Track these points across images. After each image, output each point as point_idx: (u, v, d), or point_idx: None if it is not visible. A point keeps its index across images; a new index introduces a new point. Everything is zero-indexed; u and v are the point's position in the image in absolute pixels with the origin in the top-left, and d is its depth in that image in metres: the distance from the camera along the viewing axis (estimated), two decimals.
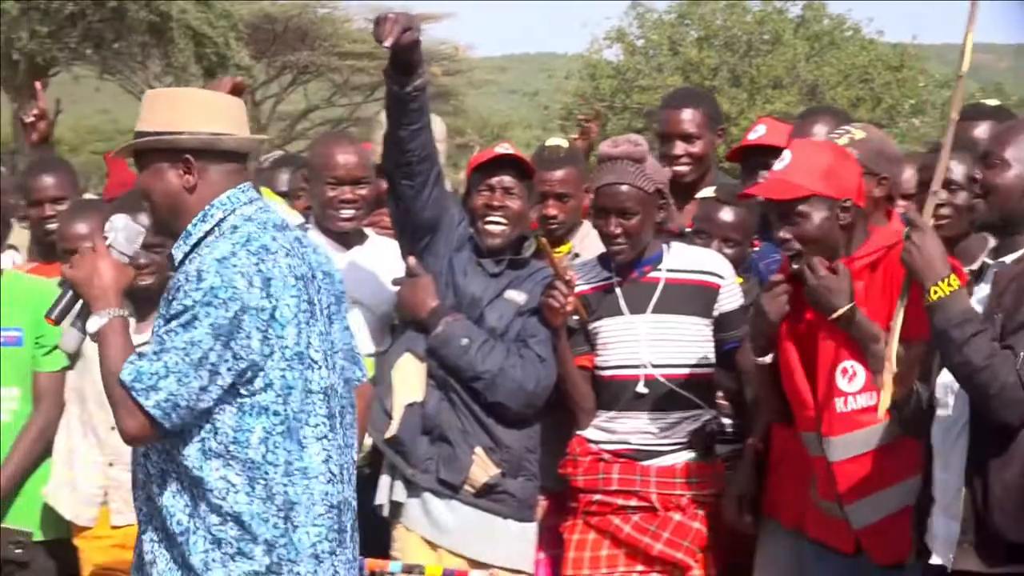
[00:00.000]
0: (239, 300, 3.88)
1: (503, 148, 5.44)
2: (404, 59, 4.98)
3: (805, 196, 4.66)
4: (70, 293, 4.11)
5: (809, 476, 4.94)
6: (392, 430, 5.22)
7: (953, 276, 4.20)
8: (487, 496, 5.26)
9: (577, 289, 5.29)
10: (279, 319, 3.94)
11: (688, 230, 5.75)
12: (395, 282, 5.42)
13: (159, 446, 3.99)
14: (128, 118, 50.27)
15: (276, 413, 3.94)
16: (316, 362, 4.02)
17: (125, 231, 4.17)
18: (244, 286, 3.89)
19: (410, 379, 5.26)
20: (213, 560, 3.92)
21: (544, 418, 5.41)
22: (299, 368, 3.97)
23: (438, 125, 5.94)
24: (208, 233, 4.04)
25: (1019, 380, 4.08)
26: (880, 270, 4.71)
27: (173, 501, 3.97)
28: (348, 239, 5.65)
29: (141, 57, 31.44)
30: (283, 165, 7.02)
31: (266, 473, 3.92)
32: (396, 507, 5.29)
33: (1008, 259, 4.36)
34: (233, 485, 3.91)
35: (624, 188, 5.21)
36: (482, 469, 5.23)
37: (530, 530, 5.40)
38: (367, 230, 5.80)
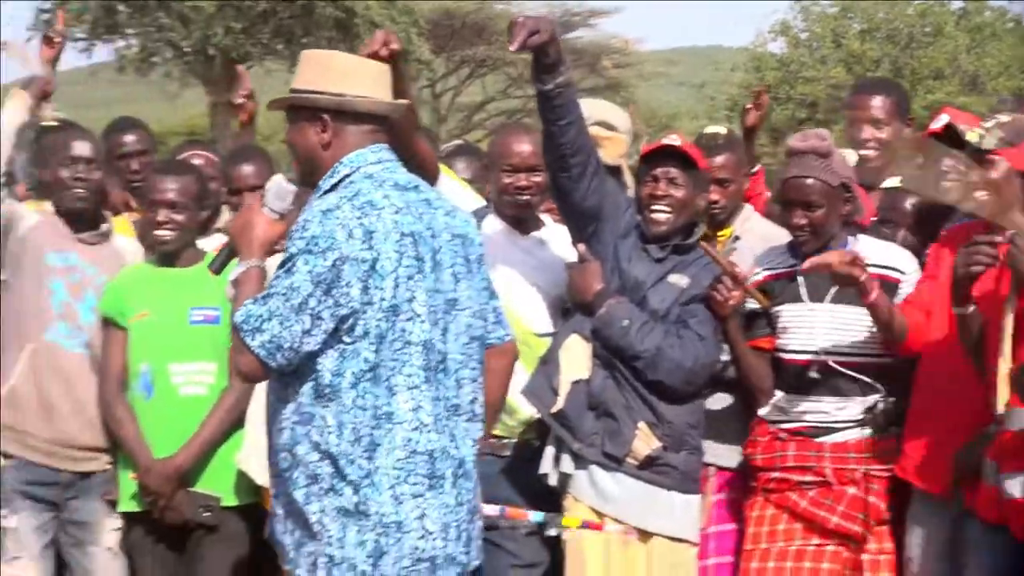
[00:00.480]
0: (337, 249, 3.95)
1: (671, 139, 5.42)
2: (542, 59, 5.01)
3: None
4: (229, 247, 4.31)
5: (951, 439, 4.88)
6: (558, 405, 5.24)
7: None
8: (650, 468, 5.25)
9: (764, 274, 5.38)
10: (379, 271, 3.98)
11: (873, 219, 5.70)
12: (567, 267, 5.45)
13: (275, 386, 4.11)
14: None
15: (367, 360, 3.99)
16: (418, 315, 4.05)
17: (276, 189, 4.28)
18: (343, 237, 3.96)
19: (576, 358, 5.27)
20: (311, 494, 4.03)
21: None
22: (394, 319, 4.01)
23: (622, 117, 5.94)
24: (333, 188, 4.13)
25: None
26: None
27: (281, 439, 4.10)
28: (525, 225, 5.67)
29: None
30: (460, 154, 7.07)
31: (355, 416, 3.99)
32: (565, 478, 5.31)
33: None
34: (328, 426, 3.99)
35: (809, 181, 5.21)
36: (644, 443, 5.22)
37: (694, 502, 5.38)
38: (544, 217, 5.82)
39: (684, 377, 5.25)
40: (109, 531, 5.68)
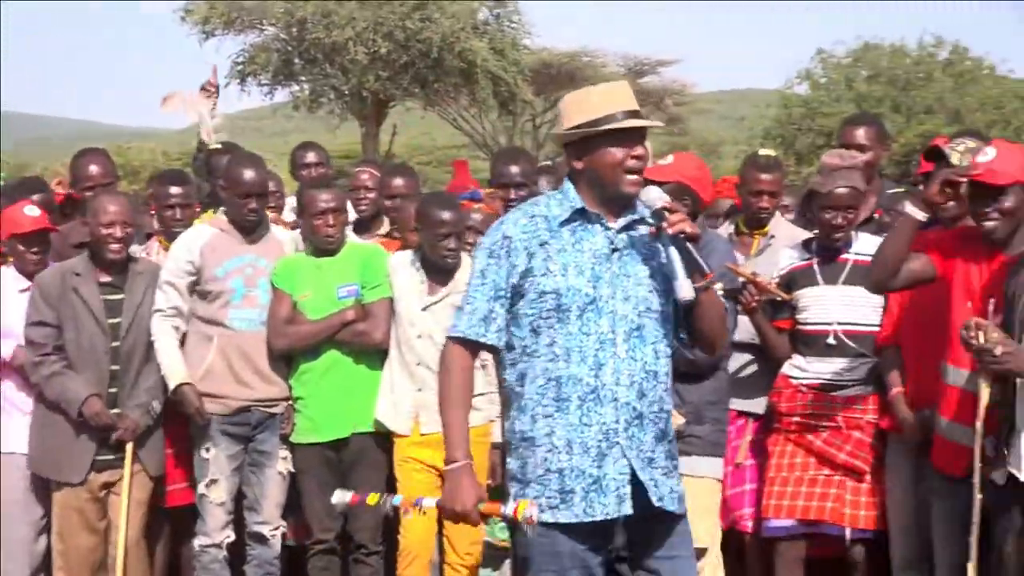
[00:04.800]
0: None
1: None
2: None
3: (1010, 184, 4.42)
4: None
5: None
6: None
7: None
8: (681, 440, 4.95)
9: (792, 265, 5.35)
10: None
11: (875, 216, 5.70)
12: None
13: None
14: (442, 138, 51.01)
15: None
16: None
17: None
18: None
19: None
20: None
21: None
22: None
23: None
24: None
25: None
26: None
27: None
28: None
29: (454, 94, 31.89)
30: (542, 172, 6.91)
31: None
32: None
33: None
34: None
35: (846, 191, 5.21)
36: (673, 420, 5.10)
37: (717, 463, 5.26)
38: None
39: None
40: (280, 459, 5.66)
